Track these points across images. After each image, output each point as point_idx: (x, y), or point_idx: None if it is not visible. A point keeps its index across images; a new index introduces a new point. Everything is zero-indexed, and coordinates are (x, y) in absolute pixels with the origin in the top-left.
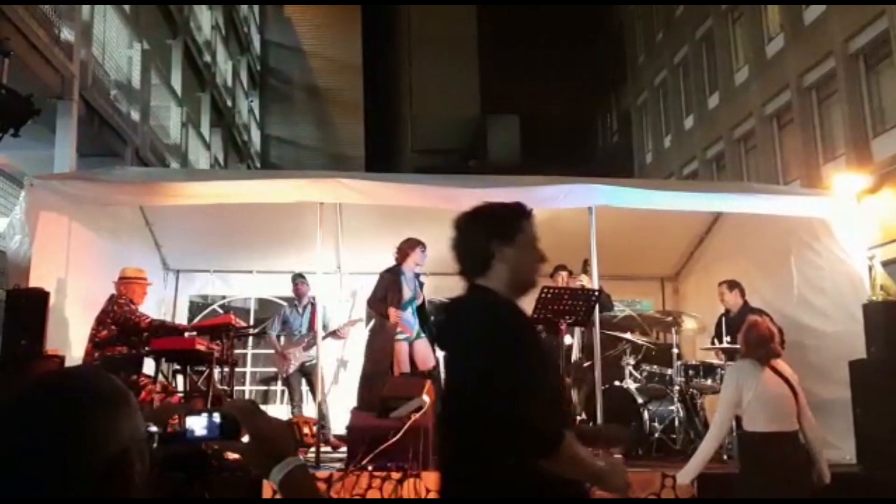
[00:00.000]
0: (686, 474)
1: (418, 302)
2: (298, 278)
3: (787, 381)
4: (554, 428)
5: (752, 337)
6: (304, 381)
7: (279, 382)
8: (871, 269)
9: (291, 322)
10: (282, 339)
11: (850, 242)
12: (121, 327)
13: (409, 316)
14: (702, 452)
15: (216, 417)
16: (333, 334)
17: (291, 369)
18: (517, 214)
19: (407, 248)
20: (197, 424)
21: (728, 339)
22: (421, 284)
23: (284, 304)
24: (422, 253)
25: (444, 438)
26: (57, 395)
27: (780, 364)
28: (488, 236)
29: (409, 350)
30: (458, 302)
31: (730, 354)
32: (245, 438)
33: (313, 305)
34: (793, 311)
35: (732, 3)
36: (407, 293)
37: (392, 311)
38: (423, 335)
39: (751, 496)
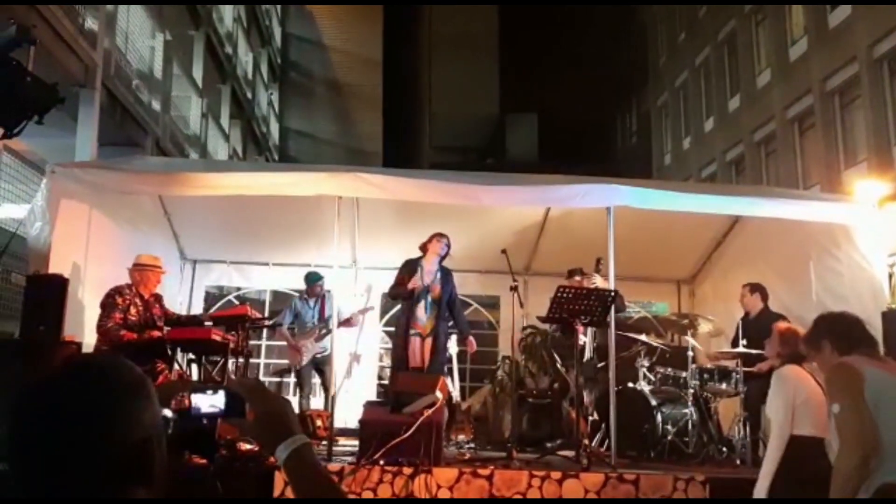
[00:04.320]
0: (759, 491)
1: (433, 295)
2: (317, 280)
3: (822, 387)
4: None
5: (797, 342)
6: (314, 373)
7: (293, 374)
8: (891, 276)
9: (303, 314)
10: (293, 331)
11: (871, 249)
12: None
13: (420, 312)
14: (769, 463)
15: (222, 395)
16: (346, 322)
17: (304, 361)
18: None
19: (426, 241)
20: (203, 402)
21: (744, 342)
22: (446, 274)
23: (295, 295)
24: (438, 242)
25: None
26: (81, 384)
27: (814, 370)
28: None
29: (421, 346)
30: None
31: (745, 359)
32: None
33: (322, 297)
34: (811, 317)
35: (756, 3)
36: (421, 282)
37: (413, 280)
38: (440, 333)
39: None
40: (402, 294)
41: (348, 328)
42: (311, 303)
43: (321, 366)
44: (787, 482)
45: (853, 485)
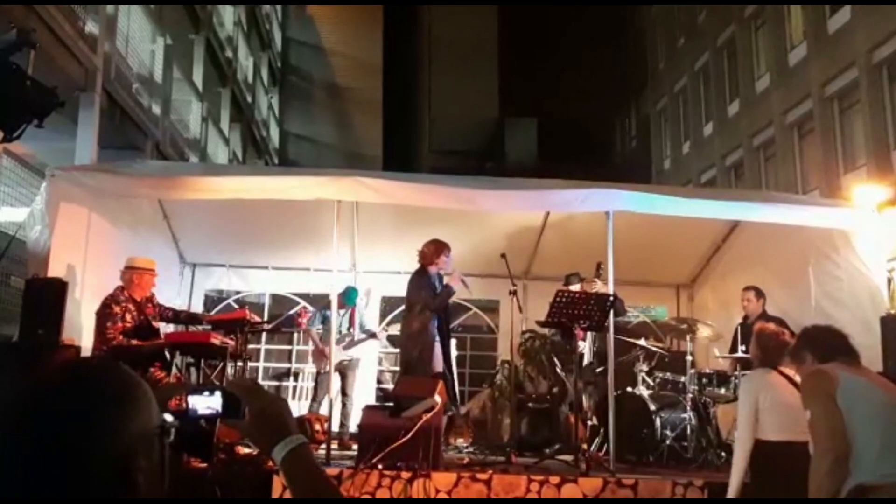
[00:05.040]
0: (731, 492)
1: None
2: (353, 303)
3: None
4: None
5: (771, 344)
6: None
7: (291, 378)
8: (890, 281)
9: (332, 321)
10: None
11: (870, 254)
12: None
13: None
14: (736, 473)
15: (218, 396)
16: (373, 336)
17: (328, 367)
18: None
19: (432, 253)
20: (199, 403)
21: (743, 347)
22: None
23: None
24: (446, 257)
25: None
26: (65, 391)
27: (791, 371)
28: None
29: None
30: None
31: (744, 364)
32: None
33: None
34: (810, 323)
35: (756, 3)
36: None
37: (453, 278)
38: (444, 338)
39: None
40: (447, 299)
41: (373, 340)
42: (342, 311)
43: (345, 370)
44: (757, 488)
45: (828, 487)
